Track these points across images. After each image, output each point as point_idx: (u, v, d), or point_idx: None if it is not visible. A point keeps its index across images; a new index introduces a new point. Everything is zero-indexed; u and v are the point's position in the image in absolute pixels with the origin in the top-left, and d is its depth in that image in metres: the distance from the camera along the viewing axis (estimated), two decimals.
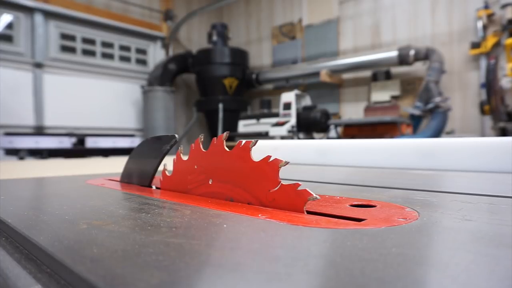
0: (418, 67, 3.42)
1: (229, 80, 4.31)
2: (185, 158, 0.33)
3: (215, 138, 0.28)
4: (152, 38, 4.55)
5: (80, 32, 3.90)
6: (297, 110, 3.52)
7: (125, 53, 4.30)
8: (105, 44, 4.12)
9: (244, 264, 0.14)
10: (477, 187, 0.42)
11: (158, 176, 0.39)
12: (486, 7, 3.05)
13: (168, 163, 0.38)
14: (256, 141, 0.26)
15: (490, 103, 2.87)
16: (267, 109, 4.11)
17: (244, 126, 3.94)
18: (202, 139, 0.31)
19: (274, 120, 3.57)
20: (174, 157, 0.34)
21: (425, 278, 0.13)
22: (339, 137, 3.35)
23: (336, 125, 3.42)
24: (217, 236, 0.19)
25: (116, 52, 4.21)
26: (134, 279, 0.13)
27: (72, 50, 3.85)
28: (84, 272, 0.14)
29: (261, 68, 4.76)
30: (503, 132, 2.58)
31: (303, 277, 0.13)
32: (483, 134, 3.07)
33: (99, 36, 4.05)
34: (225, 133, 0.28)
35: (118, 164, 1.20)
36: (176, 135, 0.39)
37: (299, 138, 3.38)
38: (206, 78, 4.36)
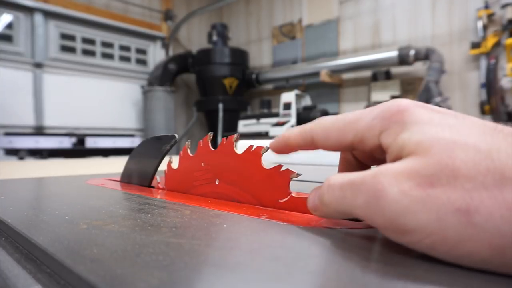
0: (418, 67, 3.42)
1: (229, 80, 4.31)
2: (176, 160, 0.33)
3: (225, 138, 0.28)
4: (152, 38, 4.55)
5: (80, 32, 3.90)
6: (297, 110, 3.52)
7: (125, 53, 4.30)
8: (105, 44, 4.12)
9: (244, 264, 0.14)
10: None
11: (158, 176, 0.39)
12: (486, 7, 3.05)
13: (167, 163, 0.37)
14: (268, 148, 0.25)
15: (490, 103, 2.87)
16: (267, 109, 4.11)
17: (244, 126, 3.94)
18: (211, 137, 0.31)
19: (274, 120, 3.57)
20: (181, 152, 0.33)
21: (425, 277, 0.13)
22: None
23: None
24: (217, 236, 0.19)
25: (116, 52, 4.21)
26: (134, 279, 0.13)
27: (72, 50, 3.85)
28: (84, 272, 0.14)
29: (261, 68, 4.76)
30: None
31: (303, 277, 0.13)
32: None
33: (99, 36, 4.05)
34: (235, 135, 0.28)
35: (118, 164, 1.20)
36: (176, 135, 0.39)
37: None
38: (206, 78, 4.36)
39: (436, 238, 0.13)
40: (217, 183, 0.30)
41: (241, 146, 0.28)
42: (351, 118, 0.19)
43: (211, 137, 0.31)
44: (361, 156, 0.22)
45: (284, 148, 0.23)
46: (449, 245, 0.13)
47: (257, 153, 0.26)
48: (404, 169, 0.14)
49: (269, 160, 0.25)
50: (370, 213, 0.15)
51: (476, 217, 0.13)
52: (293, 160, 0.89)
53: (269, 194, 0.26)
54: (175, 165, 0.34)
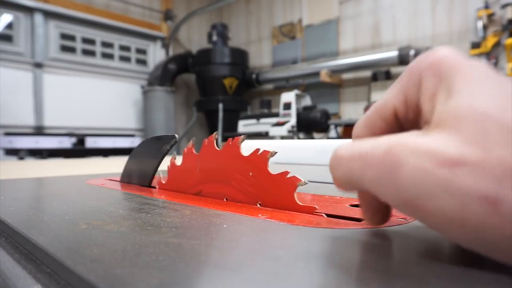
0: None
1: (229, 80, 4.31)
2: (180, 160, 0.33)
3: (231, 139, 0.28)
4: (152, 38, 4.55)
5: (80, 32, 3.90)
6: (297, 110, 3.52)
7: (125, 53, 4.30)
8: (105, 44, 4.12)
9: (244, 264, 0.14)
10: None
11: (158, 176, 0.39)
12: (486, 7, 3.05)
13: (167, 163, 0.37)
14: (275, 153, 0.25)
15: None
16: (267, 109, 4.11)
17: (244, 126, 3.94)
18: (216, 137, 0.30)
19: (274, 120, 3.57)
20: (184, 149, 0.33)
21: (424, 277, 0.13)
22: (339, 137, 3.35)
23: (336, 125, 3.42)
24: (217, 236, 0.19)
25: (116, 52, 4.21)
26: (134, 279, 0.13)
27: (72, 50, 3.85)
28: (84, 272, 0.14)
29: (261, 68, 4.76)
30: None
31: (303, 277, 0.13)
32: None
33: (99, 36, 4.05)
34: (242, 136, 0.27)
35: (118, 164, 1.20)
36: (176, 135, 0.39)
37: (299, 138, 3.38)
38: (206, 78, 4.36)
39: (456, 224, 0.12)
40: (220, 183, 0.29)
41: (247, 146, 0.27)
42: (388, 91, 0.16)
43: (216, 137, 0.30)
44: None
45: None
46: (468, 232, 0.12)
47: (263, 157, 0.25)
48: (429, 144, 0.13)
49: (273, 160, 0.25)
50: (382, 189, 0.14)
51: (503, 206, 0.11)
52: (296, 160, 0.89)
53: (273, 199, 0.25)
54: (178, 162, 0.34)
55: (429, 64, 0.14)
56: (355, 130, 0.18)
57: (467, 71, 0.14)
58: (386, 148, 0.13)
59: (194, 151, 0.32)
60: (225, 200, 0.29)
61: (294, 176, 0.24)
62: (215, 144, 0.30)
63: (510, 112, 0.12)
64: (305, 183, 0.24)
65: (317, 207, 0.24)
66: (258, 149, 0.26)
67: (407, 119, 0.16)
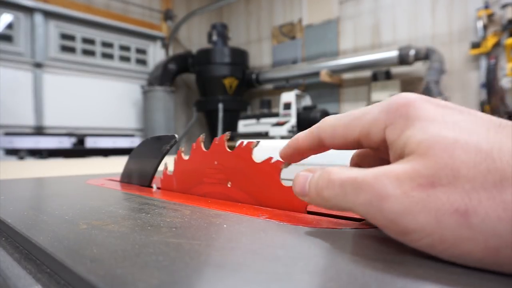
0: (418, 67, 3.42)
1: (229, 80, 4.31)
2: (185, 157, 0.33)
3: (243, 141, 0.27)
4: (152, 38, 4.55)
5: (80, 32, 3.90)
6: (297, 110, 3.52)
7: (125, 53, 4.30)
8: (105, 44, 4.12)
9: (244, 264, 0.14)
10: None
11: (158, 176, 0.39)
12: (486, 7, 3.05)
13: (169, 163, 0.37)
14: (289, 165, 0.24)
15: (490, 103, 2.87)
16: (267, 109, 4.11)
17: (244, 126, 3.94)
18: (228, 137, 0.29)
19: (274, 120, 3.57)
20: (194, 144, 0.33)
21: (424, 277, 0.13)
22: None
23: None
24: (217, 236, 0.19)
25: (116, 52, 4.21)
26: (134, 279, 0.13)
27: (72, 50, 3.85)
28: (84, 272, 0.14)
29: (261, 68, 4.76)
30: None
31: (303, 277, 0.13)
32: None
33: (99, 36, 4.05)
34: (255, 142, 0.27)
35: (118, 164, 1.20)
36: (176, 135, 0.39)
37: None
38: (206, 78, 4.36)
39: (435, 238, 0.13)
40: (229, 185, 0.29)
41: (261, 148, 0.27)
42: (357, 113, 0.18)
43: (228, 137, 0.29)
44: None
45: (294, 154, 0.22)
46: (447, 245, 0.13)
47: (276, 167, 0.25)
48: (406, 171, 0.14)
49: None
50: (371, 212, 0.15)
51: (474, 218, 0.13)
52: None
53: (280, 204, 0.25)
54: (186, 156, 0.34)
55: (397, 108, 0.16)
56: (324, 126, 0.20)
57: (431, 109, 0.16)
58: (375, 176, 0.15)
59: (203, 148, 0.32)
60: (226, 200, 0.29)
61: None
62: (226, 145, 0.29)
63: (475, 135, 0.14)
64: None
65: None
66: (271, 158, 0.25)
67: (369, 147, 0.19)
